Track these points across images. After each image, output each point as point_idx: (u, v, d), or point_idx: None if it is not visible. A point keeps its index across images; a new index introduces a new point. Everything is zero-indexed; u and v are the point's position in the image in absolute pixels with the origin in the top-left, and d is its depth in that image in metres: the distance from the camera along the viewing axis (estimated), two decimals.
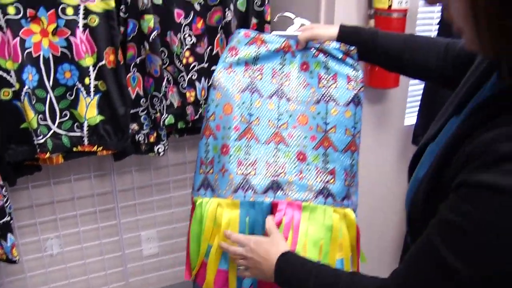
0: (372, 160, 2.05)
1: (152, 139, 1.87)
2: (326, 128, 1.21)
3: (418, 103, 2.02)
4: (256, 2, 1.87)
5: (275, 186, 1.20)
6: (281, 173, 1.21)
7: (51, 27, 1.63)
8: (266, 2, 1.87)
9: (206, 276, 1.23)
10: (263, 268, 1.03)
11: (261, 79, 1.26)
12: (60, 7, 1.62)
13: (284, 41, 1.26)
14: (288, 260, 0.98)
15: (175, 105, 1.89)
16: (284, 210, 1.18)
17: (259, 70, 1.26)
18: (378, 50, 1.17)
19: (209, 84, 1.51)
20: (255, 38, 1.26)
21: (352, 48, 1.20)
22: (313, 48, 1.24)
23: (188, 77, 1.87)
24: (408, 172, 0.88)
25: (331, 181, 1.21)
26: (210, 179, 1.25)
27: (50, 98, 1.70)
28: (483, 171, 0.63)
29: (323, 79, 1.23)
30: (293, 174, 1.21)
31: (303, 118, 1.24)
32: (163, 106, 1.83)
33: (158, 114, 1.82)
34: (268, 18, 1.88)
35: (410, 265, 0.75)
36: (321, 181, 1.21)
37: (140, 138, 1.87)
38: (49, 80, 1.68)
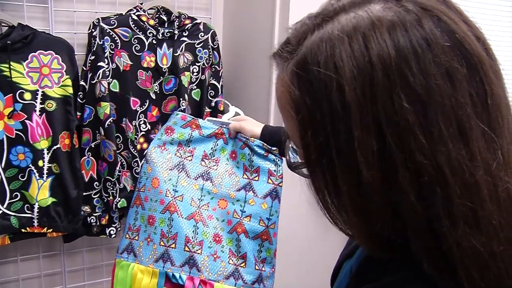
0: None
1: (104, 222, 1.88)
2: (242, 215, 1.29)
3: None
4: (210, 93, 1.96)
5: (191, 262, 1.26)
6: (198, 249, 1.26)
7: (7, 110, 1.67)
8: (220, 93, 1.96)
9: None
10: None
11: (191, 160, 1.34)
12: (18, 91, 1.66)
13: (217, 128, 1.34)
14: None
15: (128, 188, 1.91)
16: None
17: (190, 152, 1.34)
18: None
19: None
20: (191, 122, 1.35)
21: (274, 148, 1.29)
22: (241, 140, 1.32)
23: (142, 162, 1.90)
24: (330, 285, 0.84)
25: (242, 265, 1.28)
26: (135, 245, 1.31)
27: (1, 179, 1.71)
28: None
29: (247, 171, 1.32)
30: (209, 254, 1.27)
31: (223, 202, 1.31)
32: (116, 190, 1.85)
33: (111, 197, 1.84)
34: (221, 108, 1.96)
35: None
36: (233, 263, 1.28)
37: (92, 220, 1.87)
38: (1, 162, 1.69)
